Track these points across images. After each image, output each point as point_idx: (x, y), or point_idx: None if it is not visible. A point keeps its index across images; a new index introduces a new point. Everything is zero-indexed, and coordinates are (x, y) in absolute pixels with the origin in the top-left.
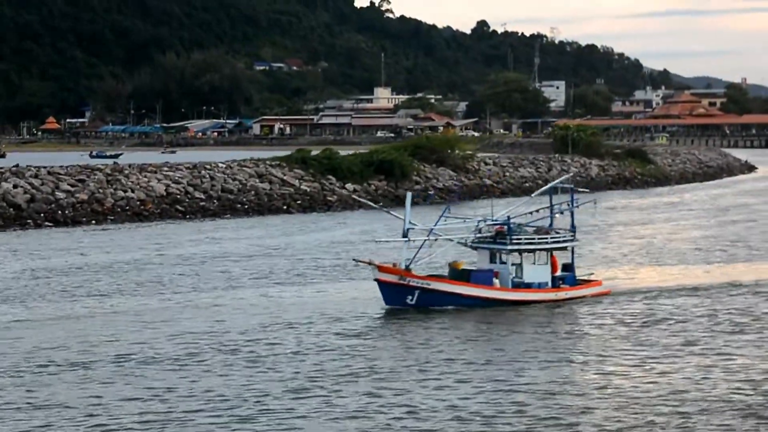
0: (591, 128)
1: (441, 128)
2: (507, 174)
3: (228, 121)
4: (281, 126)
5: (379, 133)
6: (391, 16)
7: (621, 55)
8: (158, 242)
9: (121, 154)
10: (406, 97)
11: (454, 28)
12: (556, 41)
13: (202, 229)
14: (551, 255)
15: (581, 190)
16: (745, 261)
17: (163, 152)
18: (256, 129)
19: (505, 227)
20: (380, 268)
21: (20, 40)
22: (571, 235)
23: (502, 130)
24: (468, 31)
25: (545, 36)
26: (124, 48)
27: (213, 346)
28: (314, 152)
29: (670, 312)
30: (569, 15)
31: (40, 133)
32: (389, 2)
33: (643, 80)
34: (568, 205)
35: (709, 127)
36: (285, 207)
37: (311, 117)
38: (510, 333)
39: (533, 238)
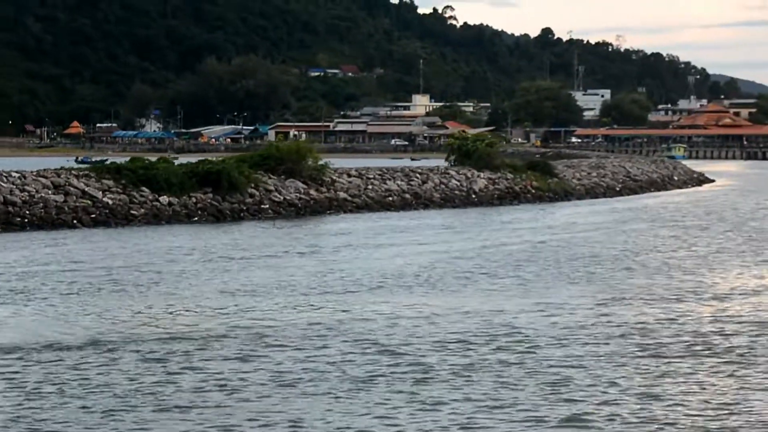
0: (488, 138)
1: None
2: (370, 187)
3: (244, 127)
4: (296, 133)
5: (393, 141)
6: (454, 23)
7: (687, 63)
8: None
9: (106, 160)
10: (440, 104)
11: (519, 35)
12: (622, 49)
13: None
14: None
15: None
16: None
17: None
18: (272, 136)
19: None
20: None
21: (74, 44)
22: None
23: (520, 139)
24: (533, 39)
25: (611, 44)
26: (177, 53)
27: None
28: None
29: None
30: (657, 25)
31: (59, 137)
32: (453, 9)
33: (688, 89)
34: None
35: (730, 138)
36: (74, 221)
37: (327, 124)
38: None
39: None
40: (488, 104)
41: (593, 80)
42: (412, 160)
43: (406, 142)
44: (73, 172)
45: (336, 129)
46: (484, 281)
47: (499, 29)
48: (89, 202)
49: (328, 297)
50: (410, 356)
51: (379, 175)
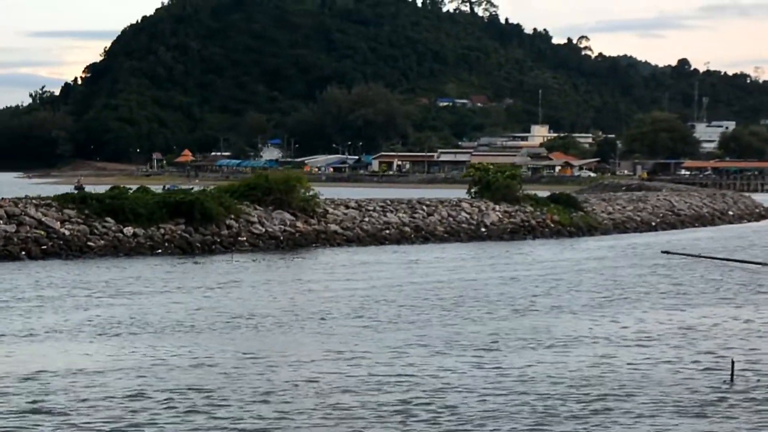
0: (509, 169)
1: (558, 168)
2: (366, 219)
3: (349, 156)
4: (399, 163)
5: None
6: (589, 53)
7: None
8: None
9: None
10: (555, 135)
11: (663, 66)
12: (761, 81)
13: None
14: None
15: None
16: None
17: None
18: (376, 165)
19: None
20: None
21: (204, 73)
22: None
23: (626, 171)
24: (669, 70)
25: (748, 76)
26: (305, 82)
27: None
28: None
29: None
30: None
31: (166, 165)
32: (588, 39)
33: None
34: None
35: None
36: (22, 253)
37: (431, 154)
38: None
39: None
40: (613, 135)
41: (729, 112)
42: None
43: None
44: (33, 201)
45: (439, 159)
46: (324, 324)
47: (643, 60)
48: (43, 232)
49: (94, 341)
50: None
51: (381, 207)
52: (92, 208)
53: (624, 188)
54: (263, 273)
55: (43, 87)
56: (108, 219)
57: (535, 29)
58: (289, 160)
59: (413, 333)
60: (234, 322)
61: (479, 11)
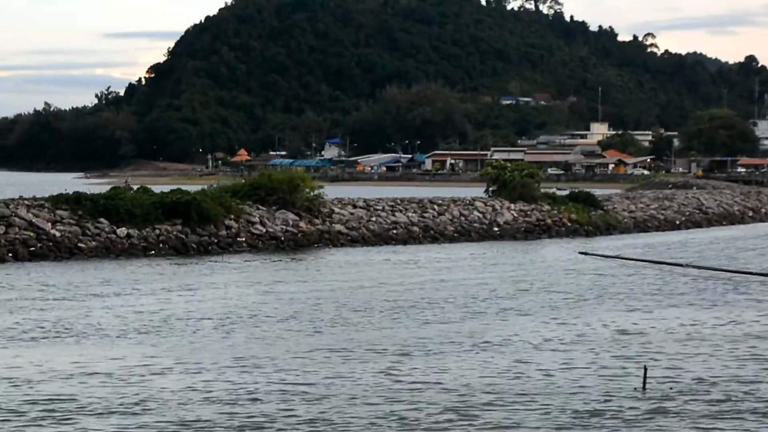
0: (528, 167)
1: (612, 166)
2: (374, 219)
3: (402, 155)
4: (452, 161)
5: (550, 170)
6: (654, 50)
7: None
8: None
9: None
10: (614, 132)
11: (725, 62)
12: None
13: None
14: None
15: None
16: None
17: None
18: (429, 164)
19: None
20: None
21: (267, 73)
22: None
23: (681, 169)
24: (736, 67)
25: None
26: (369, 81)
27: None
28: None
29: None
30: None
31: (221, 165)
32: (654, 37)
33: None
34: None
35: None
36: (9, 254)
37: (484, 153)
38: None
39: None
40: (675, 133)
41: None
42: (558, 190)
43: (561, 171)
44: (26, 202)
45: (493, 158)
46: (256, 328)
47: (713, 57)
48: (32, 234)
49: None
50: None
51: (390, 206)
52: (86, 209)
53: (670, 186)
54: (240, 274)
55: (108, 87)
56: (102, 220)
57: (600, 27)
58: (343, 159)
59: (339, 337)
60: (164, 326)
61: (544, 9)
